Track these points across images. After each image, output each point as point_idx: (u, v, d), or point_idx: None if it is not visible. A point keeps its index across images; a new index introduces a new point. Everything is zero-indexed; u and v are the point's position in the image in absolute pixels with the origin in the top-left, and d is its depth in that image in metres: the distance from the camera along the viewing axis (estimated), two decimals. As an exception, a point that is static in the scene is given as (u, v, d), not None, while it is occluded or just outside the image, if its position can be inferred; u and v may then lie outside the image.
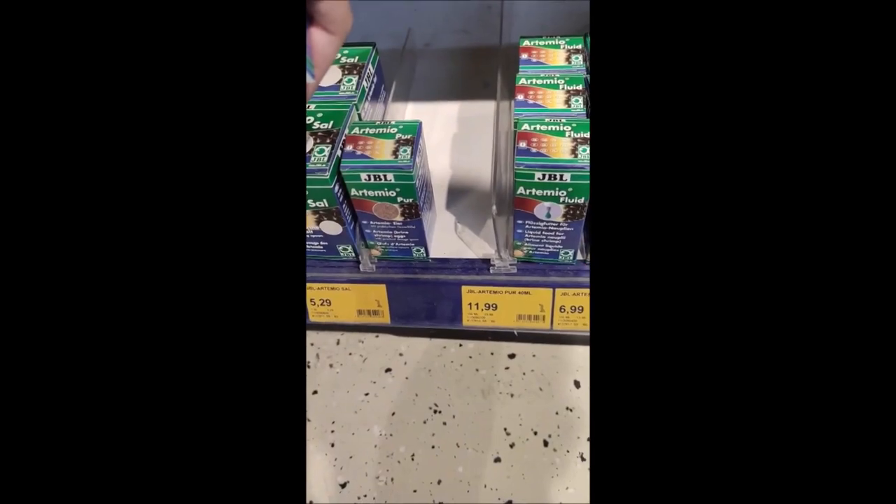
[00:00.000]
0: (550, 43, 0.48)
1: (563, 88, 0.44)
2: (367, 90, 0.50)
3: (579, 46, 0.48)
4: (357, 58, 0.50)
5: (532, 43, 0.48)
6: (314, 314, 0.54)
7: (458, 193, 0.56)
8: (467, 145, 0.59)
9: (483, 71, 0.69)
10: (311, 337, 0.73)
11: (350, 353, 0.70)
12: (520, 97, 0.44)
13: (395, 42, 0.64)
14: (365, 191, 0.43)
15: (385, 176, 0.42)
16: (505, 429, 0.61)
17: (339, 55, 0.50)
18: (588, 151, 0.39)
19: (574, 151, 0.40)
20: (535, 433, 0.61)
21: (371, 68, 0.51)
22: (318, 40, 0.25)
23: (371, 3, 0.72)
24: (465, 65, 0.71)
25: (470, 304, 0.51)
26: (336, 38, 0.25)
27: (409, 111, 0.64)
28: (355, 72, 0.49)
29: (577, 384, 0.65)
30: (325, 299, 0.52)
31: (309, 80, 0.24)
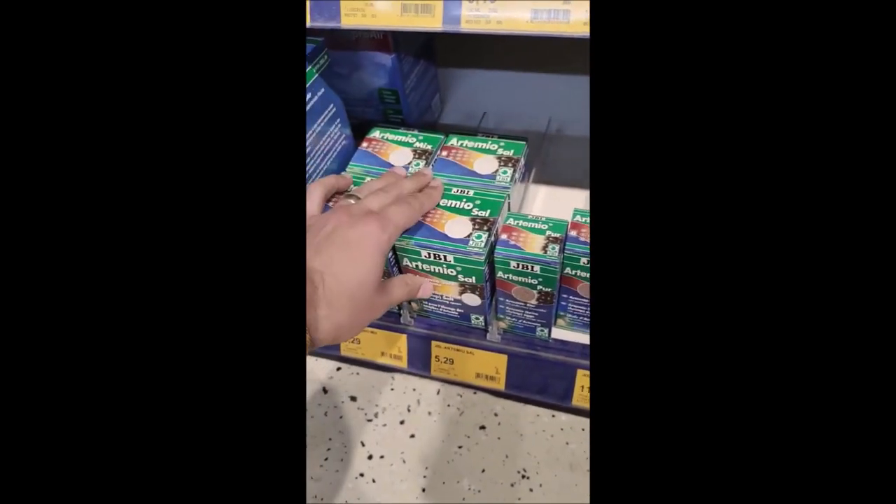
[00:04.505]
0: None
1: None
2: (517, 179, 0.56)
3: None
4: (512, 151, 0.57)
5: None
6: (436, 370, 0.59)
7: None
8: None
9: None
10: (414, 382, 0.79)
11: (448, 405, 0.75)
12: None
13: (529, 123, 0.71)
14: (511, 275, 0.48)
15: (532, 267, 0.47)
16: (589, 507, 0.64)
17: (496, 147, 0.57)
18: None
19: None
20: (619, 517, 0.63)
21: (522, 160, 0.57)
22: None
23: (520, 84, 0.79)
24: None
25: (583, 386, 0.54)
26: None
27: (540, 195, 0.70)
28: (510, 164, 0.55)
29: (664, 476, 0.67)
30: (449, 358, 0.58)
31: None
